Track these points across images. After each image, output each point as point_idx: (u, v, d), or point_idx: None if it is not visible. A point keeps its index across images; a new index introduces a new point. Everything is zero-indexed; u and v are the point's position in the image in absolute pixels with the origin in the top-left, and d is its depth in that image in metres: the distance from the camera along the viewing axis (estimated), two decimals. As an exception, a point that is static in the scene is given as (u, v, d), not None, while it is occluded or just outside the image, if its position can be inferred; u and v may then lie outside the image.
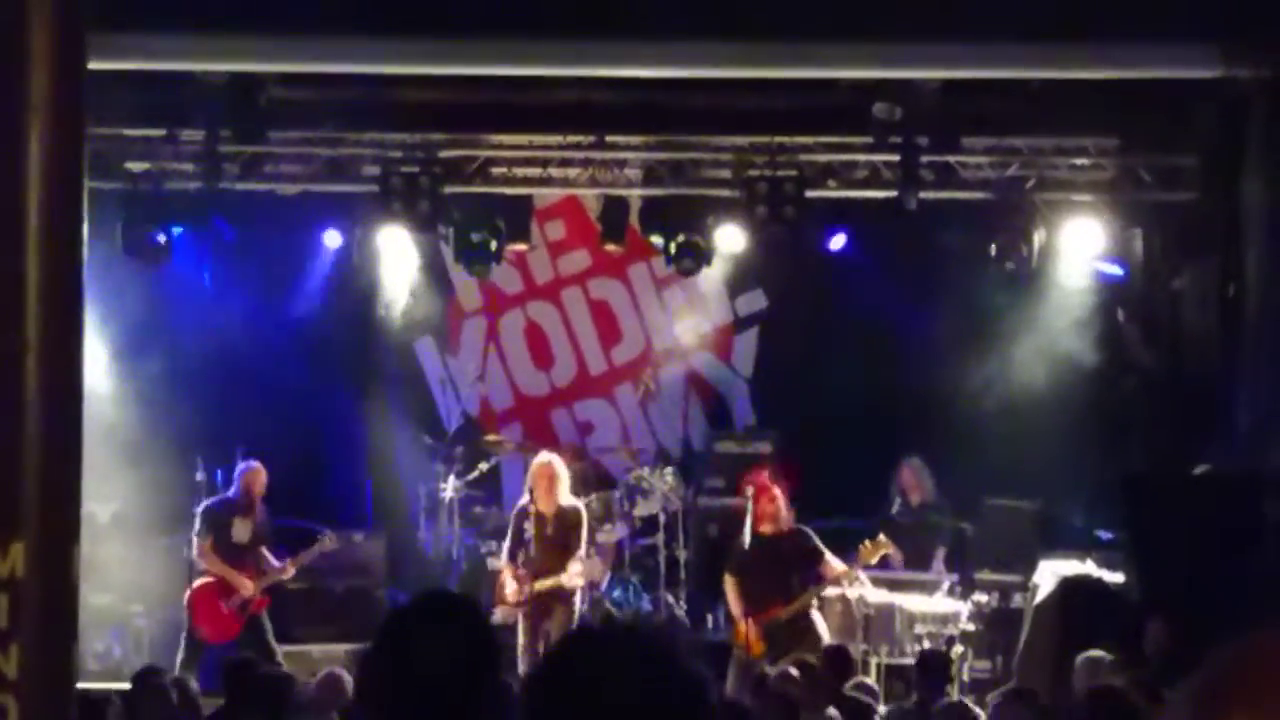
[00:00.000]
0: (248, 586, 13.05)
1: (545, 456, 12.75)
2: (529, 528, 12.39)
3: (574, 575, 12.32)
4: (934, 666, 10.81)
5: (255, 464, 13.32)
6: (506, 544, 12.74)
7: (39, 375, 3.69)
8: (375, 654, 3.49)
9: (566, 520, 12.45)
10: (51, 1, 3.63)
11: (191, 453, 14.55)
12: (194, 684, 10.50)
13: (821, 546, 12.46)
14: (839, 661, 10.60)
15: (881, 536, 12.63)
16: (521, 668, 11.91)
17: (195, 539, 13.21)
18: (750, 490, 12.62)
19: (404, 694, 3.40)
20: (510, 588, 12.48)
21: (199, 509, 13.31)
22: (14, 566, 3.66)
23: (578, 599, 12.63)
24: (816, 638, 12.07)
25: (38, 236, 3.69)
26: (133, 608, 14.29)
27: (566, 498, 12.57)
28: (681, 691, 2.57)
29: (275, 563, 13.26)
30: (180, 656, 12.86)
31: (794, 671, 9.45)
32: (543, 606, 12.37)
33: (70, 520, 3.82)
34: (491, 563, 14.54)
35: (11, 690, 3.68)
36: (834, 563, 12.37)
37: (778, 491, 12.55)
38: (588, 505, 13.25)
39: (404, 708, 3.41)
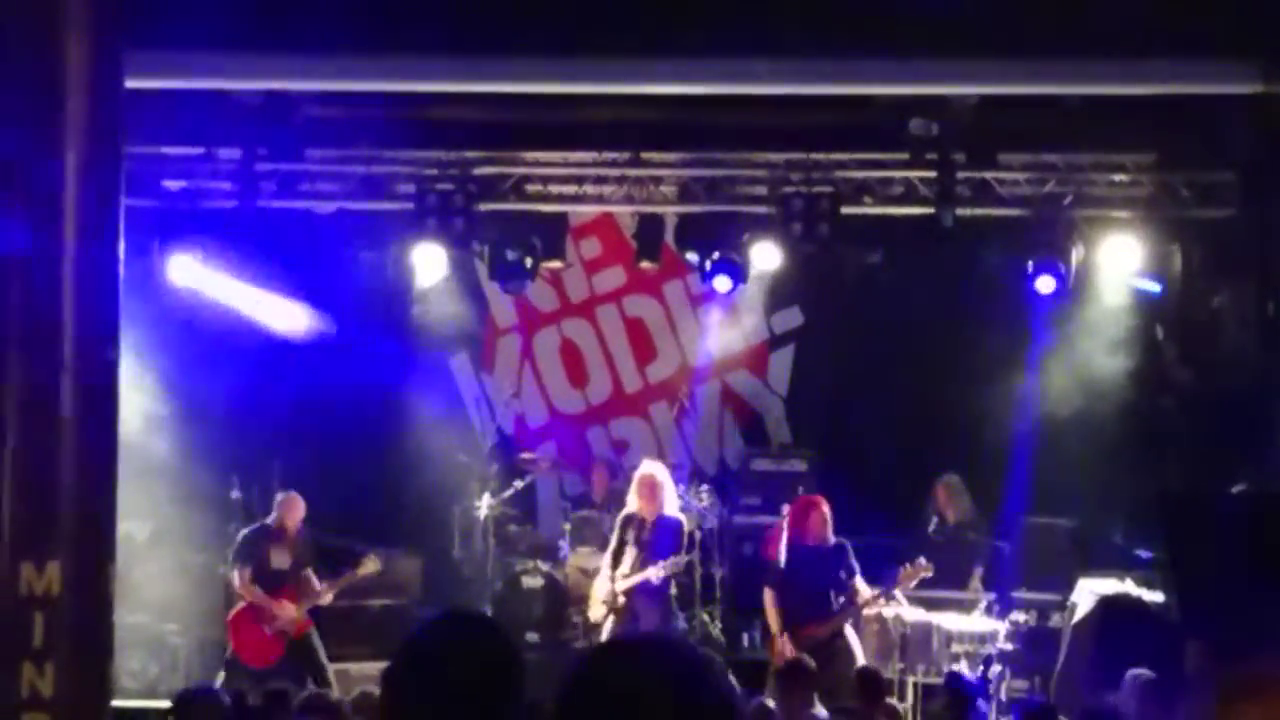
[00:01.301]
0: (289, 610, 13.03)
1: (649, 466, 12.96)
2: (630, 534, 12.51)
3: (656, 570, 12.38)
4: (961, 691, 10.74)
5: (292, 494, 13.33)
6: (610, 548, 12.86)
7: (75, 396, 3.69)
8: (394, 675, 3.47)
9: (665, 529, 12.57)
10: (88, 22, 3.63)
11: (228, 472, 14.58)
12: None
13: (854, 563, 12.42)
14: (871, 685, 10.52)
15: (922, 560, 12.56)
16: None
17: (235, 569, 13.18)
18: (791, 506, 12.59)
19: (428, 712, 3.38)
20: (603, 590, 12.58)
21: (238, 538, 13.31)
22: (50, 585, 3.67)
23: (670, 604, 12.74)
24: (852, 657, 12.03)
25: (74, 255, 3.69)
26: (169, 626, 14.32)
27: (669, 507, 12.68)
28: (713, 702, 2.55)
29: (317, 586, 13.25)
30: (221, 678, 12.86)
31: (769, 703, 9.46)
32: (632, 609, 12.45)
33: (106, 539, 3.83)
34: (526, 581, 14.54)
35: (47, 708, 3.68)
36: (862, 586, 12.34)
37: (824, 504, 12.53)
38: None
39: None
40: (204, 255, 14.49)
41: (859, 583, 12.37)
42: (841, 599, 12.26)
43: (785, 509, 12.73)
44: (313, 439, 14.88)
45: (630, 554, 12.59)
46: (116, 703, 9.51)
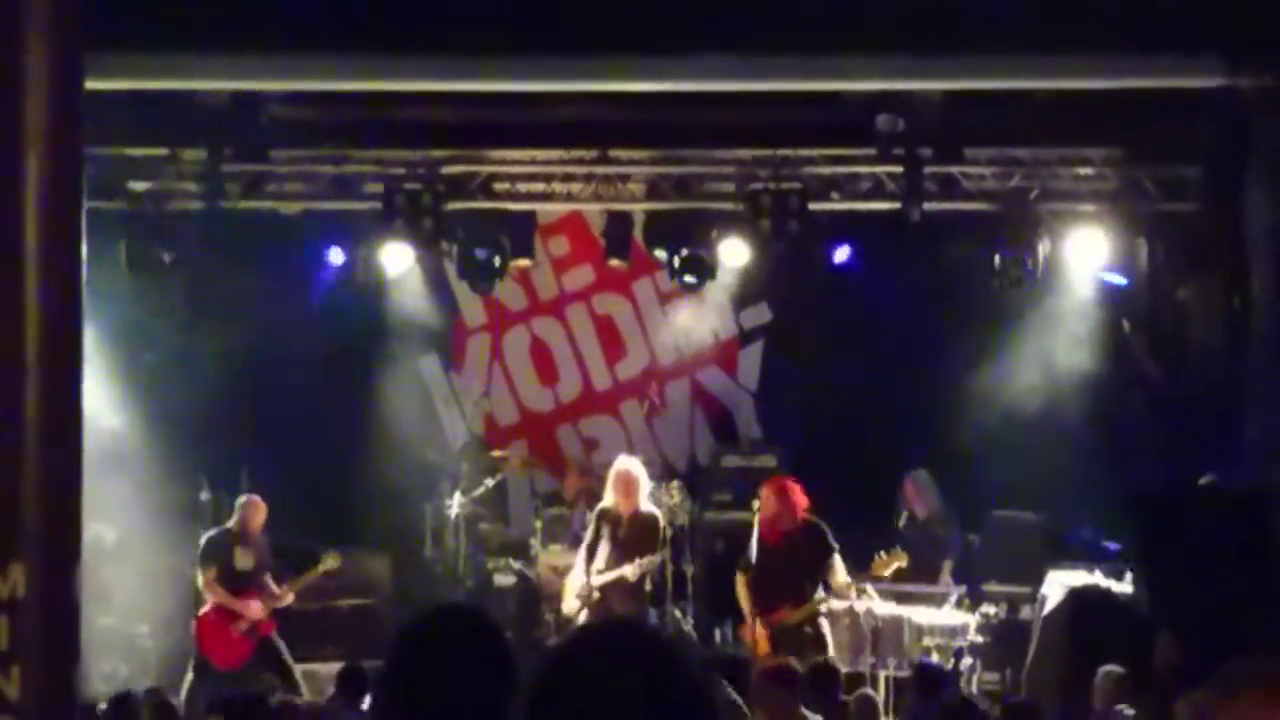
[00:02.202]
0: (255, 609, 13.04)
1: (624, 461, 12.92)
2: (605, 529, 12.57)
3: (631, 568, 12.38)
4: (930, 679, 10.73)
5: (254, 498, 13.35)
6: (585, 542, 12.85)
7: (39, 396, 3.68)
8: (395, 666, 3.47)
9: (641, 525, 12.55)
10: (47, 22, 3.62)
11: (197, 474, 14.56)
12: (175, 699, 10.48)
13: (833, 543, 12.37)
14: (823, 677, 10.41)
15: (898, 549, 12.58)
16: None
17: (199, 571, 13.19)
18: (765, 491, 12.54)
19: (426, 706, 3.39)
20: (578, 584, 12.61)
21: (201, 541, 13.30)
22: (15, 587, 3.65)
23: (643, 599, 12.76)
24: (826, 647, 12.03)
25: (36, 258, 3.67)
26: (139, 628, 14.29)
27: (645, 503, 12.68)
28: (684, 687, 2.55)
29: (275, 589, 13.24)
30: (189, 680, 12.84)
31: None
32: (606, 604, 12.46)
33: (71, 541, 3.80)
34: (498, 579, 14.54)
35: (14, 711, 3.66)
36: (839, 571, 12.28)
37: (793, 486, 12.51)
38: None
39: (429, 713, 3.39)
40: (171, 257, 14.44)
41: (837, 564, 12.28)
42: (813, 584, 12.19)
43: (763, 493, 12.65)
44: (281, 440, 14.85)
45: (604, 549, 12.60)
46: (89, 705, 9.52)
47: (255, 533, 13.24)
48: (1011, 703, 10.12)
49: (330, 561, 13.39)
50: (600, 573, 12.55)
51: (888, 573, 12.55)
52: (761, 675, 9.53)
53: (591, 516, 12.98)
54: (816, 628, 12.21)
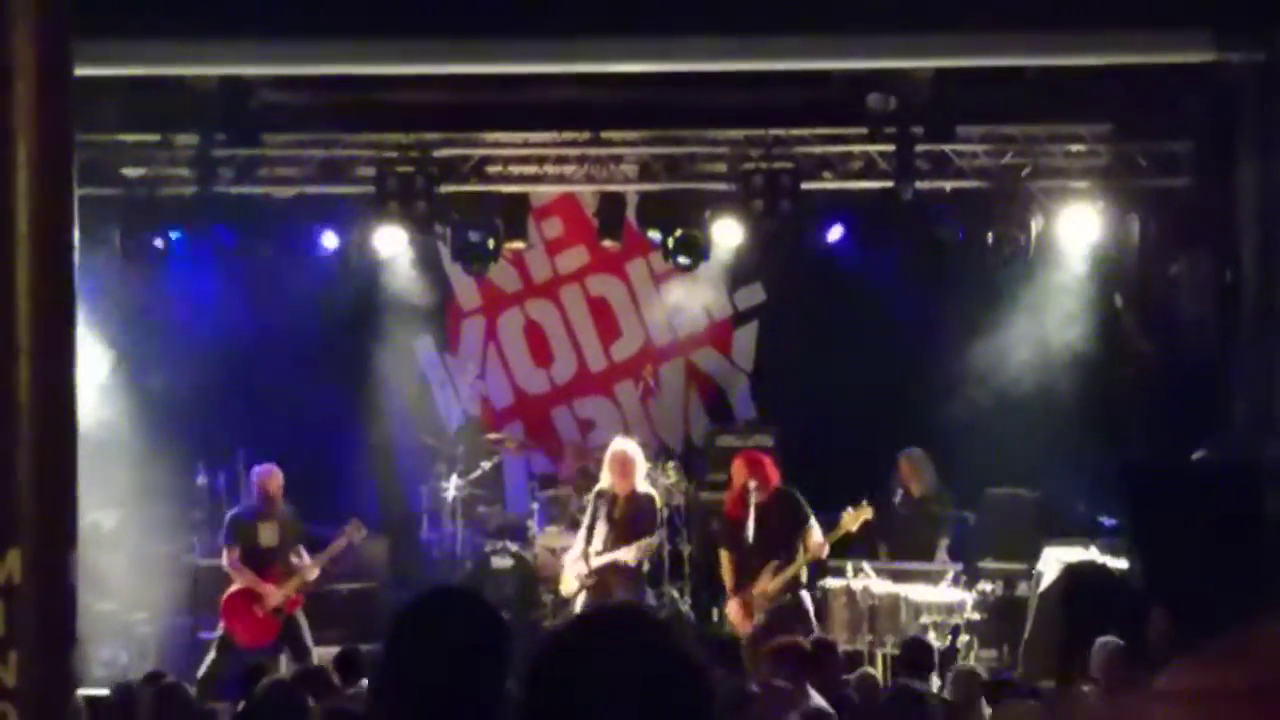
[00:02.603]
0: (275, 595, 12.92)
1: (621, 443, 12.90)
2: (602, 510, 12.59)
3: (629, 551, 12.39)
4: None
5: (270, 465, 13.21)
6: (584, 523, 12.88)
7: (32, 381, 3.70)
8: (392, 649, 3.49)
9: (637, 505, 12.55)
10: (35, 9, 3.63)
11: (193, 459, 14.55)
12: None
13: (808, 511, 12.38)
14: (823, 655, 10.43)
15: (863, 503, 12.49)
16: None
17: (224, 550, 13.06)
18: (738, 463, 12.50)
19: (423, 688, 3.40)
20: (577, 565, 12.64)
21: (226, 519, 13.19)
22: (11, 573, 3.67)
23: (641, 580, 12.79)
24: (809, 624, 12.02)
25: (28, 244, 3.69)
26: (138, 615, 14.28)
27: (641, 484, 12.68)
28: (682, 674, 2.57)
29: (306, 560, 13.12)
30: (210, 658, 12.71)
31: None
32: (604, 585, 12.48)
33: (67, 526, 3.82)
34: (496, 561, 14.56)
35: (10, 698, 3.68)
36: (815, 532, 12.23)
37: (763, 458, 12.51)
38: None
39: (424, 698, 3.41)
40: (164, 243, 14.44)
41: (811, 529, 12.26)
42: (790, 552, 12.15)
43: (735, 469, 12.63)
44: (277, 424, 14.85)
45: (602, 530, 12.61)
46: (88, 692, 9.54)
47: (277, 503, 13.02)
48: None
49: (353, 530, 13.24)
50: (598, 554, 12.56)
51: (855, 526, 12.39)
52: (769, 655, 9.54)
53: (589, 498, 13.01)
54: (796, 597, 12.17)
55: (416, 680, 3.40)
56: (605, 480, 12.72)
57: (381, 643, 3.55)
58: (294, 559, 13.04)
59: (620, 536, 12.48)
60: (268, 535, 13.02)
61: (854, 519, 12.34)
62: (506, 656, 3.50)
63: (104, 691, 9.85)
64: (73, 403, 3.82)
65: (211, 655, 12.77)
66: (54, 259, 3.73)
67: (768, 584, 12.09)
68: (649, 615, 2.75)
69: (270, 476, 13.08)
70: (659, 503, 12.92)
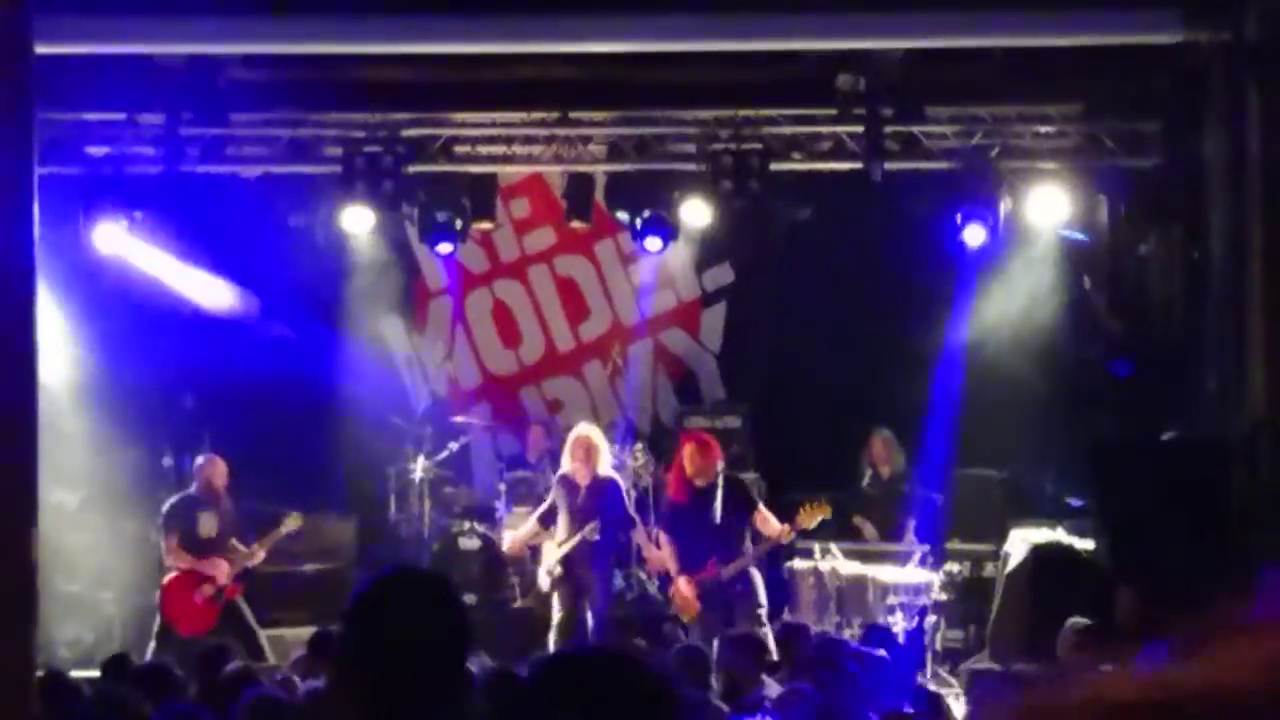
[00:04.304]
0: (222, 568, 12.91)
1: (583, 428, 12.94)
2: (562, 496, 12.58)
3: (591, 530, 12.39)
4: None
5: (213, 456, 13.22)
6: (542, 507, 12.90)
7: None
8: (349, 633, 3.46)
9: (600, 492, 12.53)
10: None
11: (159, 439, 14.50)
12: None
13: (755, 496, 12.39)
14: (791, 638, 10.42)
15: (821, 500, 12.50)
16: (552, 636, 12.45)
17: (162, 538, 13.08)
18: (688, 447, 12.48)
19: (381, 672, 3.38)
20: (520, 543, 12.96)
21: (164, 507, 13.19)
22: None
23: (609, 563, 12.87)
24: (756, 602, 12.00)
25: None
26: (103, 594, 14.24)
27: (604, 469, 12.66)
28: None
29: (243, 550, 13.13)
30: (151, 647, 12.75)
31: None
32: (571, 572, 12.47)
33: (27, 504, 3.79)
34: (463, 542, 14.53)
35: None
36: (770, 519, 12.24)
37: (709, 441, 12.51)
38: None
39: (386, 678, 3.39)
40: (129, 222, 14.34)
41: (765, 514, 12.27)
42: (739, 539, 12.16)
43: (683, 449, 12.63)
44: (244, 404, 14.79)
45: (563, 519, 12.59)
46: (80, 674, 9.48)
47: (219, 494, 13.08)
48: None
49: (291, 522, 13.26)
50: (560, 544, 12.54)
51: (812, 524, 12.42)
52: (727, 644, 9.56)
53: (553, 481, 13.01)
54: (747, 584, 12.16)
55: (373, 666, 3.37)
56: (566, 465, 12.70)
57: (340, 624, 3.52)
58: (233, 549, 13.06)
59: (579, 524, 12.46)
60: (207, 525, 13.02)
61: (810, 516, 12.30)
62: (466, 639, 3.49)
63: (70, 674, 9.79)
64: (33, 383, 3.78)
65: (152, 645, 12.76)
66: (15, 239, 3.69)
67: (720, 569, 12.05)
68: (628, 660, 2.73)
69: (212, 465, 13.08)
70: (624, 486, 12.91)
